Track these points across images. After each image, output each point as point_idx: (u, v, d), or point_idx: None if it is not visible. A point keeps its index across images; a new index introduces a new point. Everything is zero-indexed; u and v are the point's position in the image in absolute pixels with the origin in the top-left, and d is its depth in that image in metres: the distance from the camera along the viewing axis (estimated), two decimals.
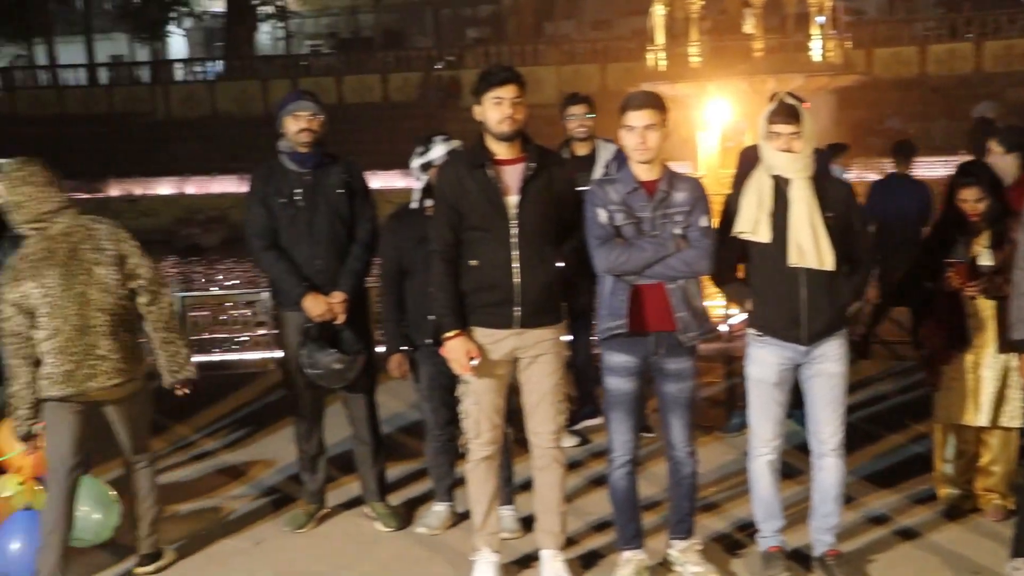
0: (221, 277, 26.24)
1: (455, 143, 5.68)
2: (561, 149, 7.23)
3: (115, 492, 5.99)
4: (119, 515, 5.95)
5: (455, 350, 4.98)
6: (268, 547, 5.99)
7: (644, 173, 4.99)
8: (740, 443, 6.50)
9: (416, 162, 5.74)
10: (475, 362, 4.99)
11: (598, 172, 6.94)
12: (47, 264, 5.18)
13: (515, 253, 4.93)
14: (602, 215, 4.96)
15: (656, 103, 4.99)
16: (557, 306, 5.14)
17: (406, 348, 5.89)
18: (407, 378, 6.00)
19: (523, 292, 4.96)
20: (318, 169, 5.86)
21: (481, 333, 5.04)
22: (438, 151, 5.66)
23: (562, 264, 5.04)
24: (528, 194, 4.94)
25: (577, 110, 7.23)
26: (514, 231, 4.92)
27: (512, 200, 4.93)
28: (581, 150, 7.24)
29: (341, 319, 5.87)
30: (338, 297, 5.84)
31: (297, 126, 5.81)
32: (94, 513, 5.84)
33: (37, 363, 5.20)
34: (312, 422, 6.16)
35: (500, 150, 4.99)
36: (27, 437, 5.27)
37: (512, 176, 4.96)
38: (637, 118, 4.93)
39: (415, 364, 5.92)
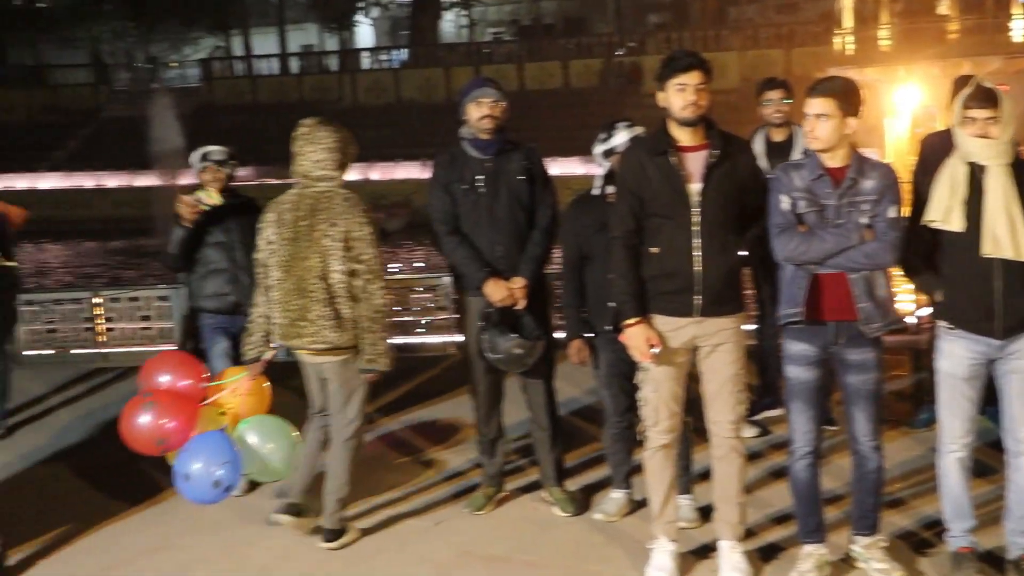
0: (400, 262, 26.81)
1: (638, 129, 5.67)
2: (755, 135, 7.14)
3: (297, 433, 6.05)
4: (295, 455, 5.97)
5: (635, 337, 4.98)
6: (448, 528, 6.11)
7: (830, 159, 4.88)
8: (928, 438, 6.29)
9: (598, 148, 5.75)
10: (655, 350, 4.98)
11: (795, 158, 6.82)
12: (288, 214, 5.63)
13: (696, 241, 4.89)
14: (784, 202, 4.88)
15: (835, 92, 4.85)
16: (739, 294, 5.09)
17: (586, 334, 5.92)
18: (586, 364, 6.03)
19: (704, 280, 4.92)
20: (499, 156, 5.93)
21: (661, 321, 5.02)
22: (620, 137, 5.66)
23: (744, 252, 4.99)
24: (711, 181, 4.90)
25: (774, 95, 7.12)
26: (696, 218, 4.89)
27: (695, 187, 4.90)
28: (777, 136, 7.12)
29: (522, 305, 5.92)
30: (519, 283, 5.90)
31: (479, 113, 5.88)
32: (275, 451, 5.86)
33: None
34: (491, 406, 6.24)
35: (683, 137, 4.95)
36: (254, 360, 5.76)
37: (695, 163, 4.93)
38: (809, 106, 4.85)
39: (594, 350, 5.94)
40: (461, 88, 6.07)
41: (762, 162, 6.82)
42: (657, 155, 4.94)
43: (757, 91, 7.22)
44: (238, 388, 5.83)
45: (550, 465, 6.25)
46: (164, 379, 5.91)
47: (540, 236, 5.97)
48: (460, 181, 5.89)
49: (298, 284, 5.57)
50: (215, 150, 6.90)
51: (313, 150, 5.68)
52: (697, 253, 4.90)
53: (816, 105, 4.82)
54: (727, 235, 4.94)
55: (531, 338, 5.88)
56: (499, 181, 5.89)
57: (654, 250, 4.96)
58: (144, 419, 5.67)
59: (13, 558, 5.81)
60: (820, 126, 4.81)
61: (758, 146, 7.08)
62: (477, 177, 5.87)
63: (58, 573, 5.78)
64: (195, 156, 6.98)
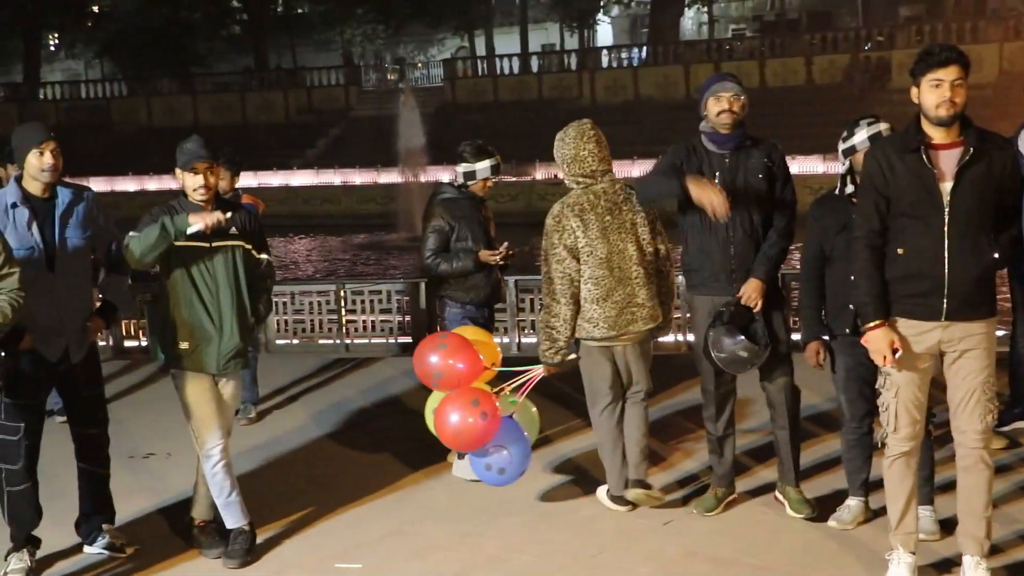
0: None
1: (880, 126, 5.50)
2: (1020, 131, 6.79)
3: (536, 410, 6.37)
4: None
5: (877, 340, 4.84)
6: (675, 528, 6.07)
7: None
8: None
9: (841, 146, 5.64)
10: (898, 354, 4.82)
11: None
12: (590, 214, 5.92)
13: (946, 242, 4.72)
14: None
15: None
16: (990, 298, 4.87)
17: (824, 337, 5.78)
18: (823, 368, 5.88)
19: (952, 283, 4.74)
20: (738, 151, 5.86)
21: (905, 324, 4.86)
22: (861, 136, 5.52)
23: (997, 255, 4.77)
24: (963, 180, 4.71)
25: None
26: (946, 219, 4.71)
27: (946, 186, 4.72)
28: None
29: (757, 307, 5.84)
30: (754, 284, 5.82)
31: (718, 107, 5.83)
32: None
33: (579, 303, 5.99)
34: (720, 404, 6.17)
35: (936, 134, 4.77)
36: (557, 364, 6.09)
37: (947, 161, 4.75)
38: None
39: (832, 353, 5.79)
40: (701, 84, 6.04)
41: None
42: (908, 152, 4.78)
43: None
44: (533, 379, 6.16)
45: (788, 464, 6.15)
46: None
47: (777, 236, 5.88)
48: (697, 174, 5.83)
49: (621, 275, 5.93)
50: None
51: (596, 148, 6.01)
52: (946, 255, 4.73)
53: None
54: (979, 236, 4.74)
55: (759, 343, 5.79)
56: (737, 177, 5.82)
57: (900, 251, 4.81)
58: (433, 356, 6.06)
59: (261, 537, 6.12)
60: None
61: (1022, 143, 6.73)
62: (715, 172, 5.81)
63: (301, 553, 6.05)
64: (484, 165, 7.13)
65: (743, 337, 5.77)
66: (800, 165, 32.31)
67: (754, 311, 5.84)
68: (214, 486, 5.89)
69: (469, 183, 7.17)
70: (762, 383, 6.13)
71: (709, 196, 5.56)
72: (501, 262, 7.11)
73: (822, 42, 42.56)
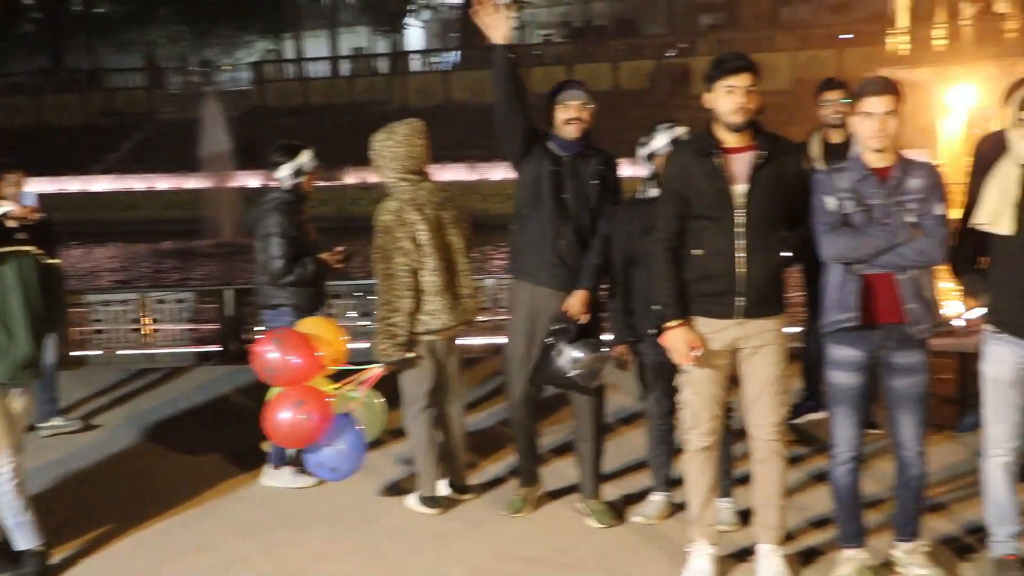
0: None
1: (679, 130, 5.65)
2: (812, 137, 7.09)
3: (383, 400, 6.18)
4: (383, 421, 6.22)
5: (676, 340, 4.98)
6: (486, 530, 6.10)
7: (876, 161, 4.85)
8: (973, 443, 6.20)
9: (641, 152, 5.76)
10: (696, 352, 4.96)
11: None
12: (429, 209, 6.04)
13: (740, 243, 4.88)
14: (830, 202, 4.86)
15: (895, 89, 4.85)
16: (781, 296, 5.08)
17: (632, 339, 5.89)
18: (630, 369, 5.99)
19: (747, 282, 4.91)
20: (578, 157, 5.93)
21: (702, 323, 5.01)
22: (661, 140, 5.67)
23: (789, 254, 4.97)
24: (756, 182, 4.88)
25: (832, 95, 7.07)
26: (740, 220, 4.88)
27: (739, 189, 4.88)
28: (836, 138, 7.05)
29: (584, 318, 5.91)
30: (580, 296, 5.91)
31: (567, 114, 5.89)
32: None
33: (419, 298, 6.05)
34: (526, 409, 6.21)
35: (729, 138, 4.94)
36: (395, 363, 6.08)
37: (740, 165, 4.91)
38: (877, 104, 4.79)
39: (640, 354, 5.91)
40: (550, 89, 6.04)
41: (819, 165, 6.77)
42: (703, 156, 4.93)
43: (816, 92, 7.16)
44: (372, 378, 6.05)
45: (590, 477, 6.18)
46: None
47: (600, 244, 5.96)
48: (535, 175, 5.90)
49: (454, 267, 6.12)
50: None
51: (427, 146, 6.19)
52: (740, 255, 4.89)
53: (883, 103, 4.79)
54: (771, 237, 4.93)
55: (599, 351, 5.86)
56: (573, 180, 5.90)
57: (697, 252, 4.96)
58: (269, 352, 5.86)
59: (56, 557, 5.87)
60: (890, 123, 4.79)
61: (815, 148, 7.04)
62: (552, 168, 5.86)
63: (100, 573, 5.83)
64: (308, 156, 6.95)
65: (581, 353, 5.78)
66: None
67: (582, 321, 5.89)
68: (4, 506, 5.61)
69: (300, 179, 6.97)
70: (568, 394, 6.14)
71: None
72: (339, 265, 7.00)
73: (628, 48, 43.65)
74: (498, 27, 5.70)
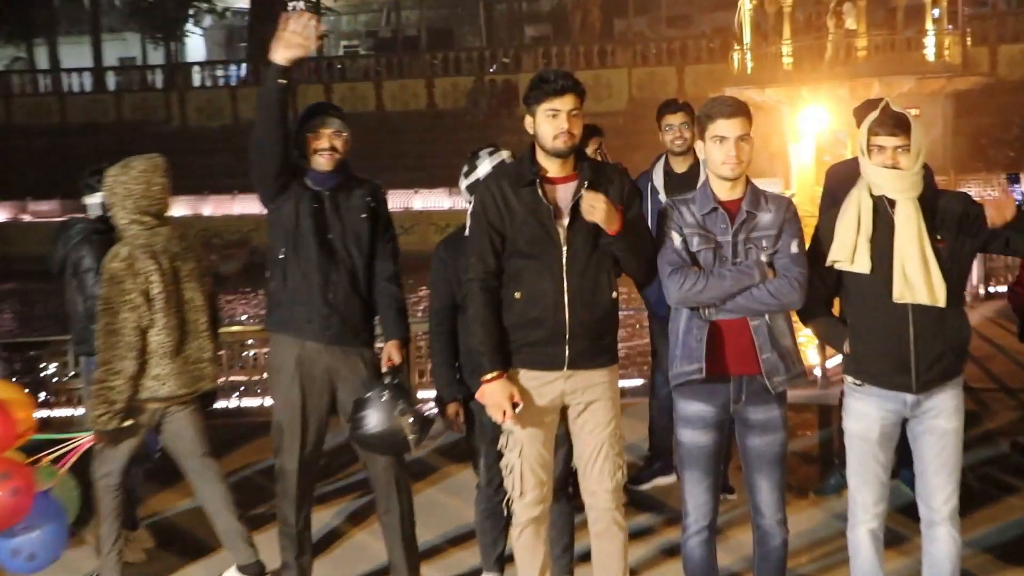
0: (242, 311, 26.41)
1: (503, 155, 5.66)
2: (655, 165, 7.21)
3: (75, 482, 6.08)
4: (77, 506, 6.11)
5: (494, 394, 4.96)
6: None
7: (725, 191, 4.94)
8: (838, 506, 6.39)
9: (463, 183, 5.73)
10: (519, 408, 4.96)
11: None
12: (163, 257, 5.92)
13: (565, 284, 4.92)
14: (676, 239, 4.93)
15: (747, 110, 4.95)
16: (612, 344, 5.12)
17: (460, 395, 5.84)
18: (462, 430, 5.96)
19: (573, 329, 4.94)
20: (338, 190, 5.86)
21: (525, 375, 5.02)
22: (485, 167, 5.64)
23: (616, 295, 5.03)
24: (580, 216, 4.91)
25: (674, 119, 7.14)
26: (564, 257, 4.92)
27: (563, 223, 4.93)
28: (680, 166, 7.14)
29: (402, 369, 5.89)
30: (395, 345, 5.88)
31: (318, 144, 5.82)
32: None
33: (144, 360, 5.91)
34: (303, 488, 6.02)
35: (551, 166, 4.97)
36: (112, 431, 5.89)
37: (564, 195, 4.95)
38: (730, 127, 4.87)
39: (470, 413, 5.87)
40: (299, 114, 5.93)
41: (662, 195, 6.91)
42: (523, 186, 4.95)
43: (657, 115, 7.26)
44: (79, 449, 5.91)
45: (401, 556, 6.06)
46: None
47: (395, 289, 5.94)
48: (293, 214, 5.79)
49: (191, 327, 6.00)
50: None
51: (168, 185, 6.05)
52: (565, 297, 4.92)
53: (737, 126, 4.87)
54: (599, 276, 4.97)
55: (422, 412, 5.77)
56: (337, 217, 5.84)
57: (517, 294, 4.97)
58: None
59: None
60: (745, 148, 4.87)
61: (658, 178, 7.14)
62: (313, 205, 5.79)
63: None
64: None
65: (414, 407, 5.70)
66: (424, 200, 33.12)
67: (400, 374, 5.84)
68: None
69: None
70: (365, 458, 6.02)
71: None
72: None
73: (444, 63, 43.99)
74: (295, 45, 5.49)
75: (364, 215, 5.89)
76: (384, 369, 5.84)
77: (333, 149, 5.82)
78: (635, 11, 48.89)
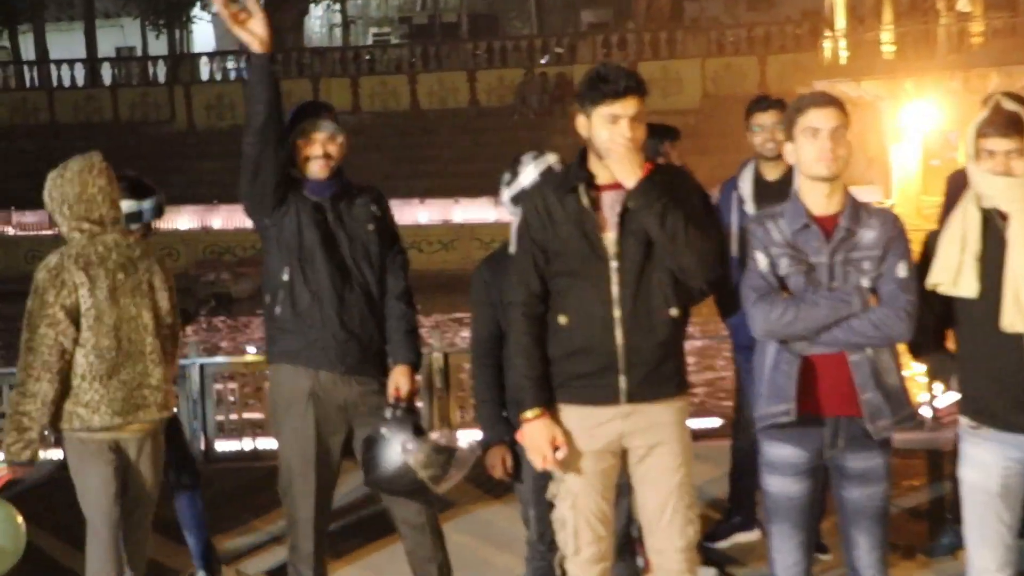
0: (256, 338, 26.53)
1: (550, 160, 5.68)
2: (743, 172, 7.22)
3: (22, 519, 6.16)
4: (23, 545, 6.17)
5: (534, 436, 4.97)
6: None
7: (819, 203, 4.93)
8: (951, 570, 6.36)
9: (505, 193, 5.75)
10: (560, 453, 4.96)
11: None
12: (97, 269, 5.94)
13: (615, 303, 4.90)
14: (762, 261, 4.93)
15: (841, 103, 4.95)
16: (678, 371, 5.06)
17: (508, 438, 5.77)
18: (510, 478, 5.97)
19: (628, 355, 4.93)
20: (339, 199, 5.94)
21: (576, 413, 5.00)
22: (529, 174, 5.66)
23: (678, 312, 4.97)
24: (631, 225, 4.90)
25: (765, 118, 7.04)
26: (613, 274, 4.91)
27: (610, 235, 4.92)
28: (772, 173, 7.07)
29: (412, 398, 5.92)
30: (403, 371, 5.91)
31: (310, 150, 5.87)
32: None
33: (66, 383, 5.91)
34: (318, 539, 6.04)
35: (604, 172, 4.97)
36: (26, 463, 5.93)
37: (611, 204, 4.95)
38: (823, 117, 4.87)
39: (518, 458, 5.81)
40: (288, 113, 5.95)
41: (749, 206, 6.90)
42: (566, 193, 4.97)
43: (746, 113, 7.23)
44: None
45: None
46: None
47: (406, 308, 5.99)
48: (295, 228, 5.87)
49: (132, 348, 5.94)
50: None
51: (108, 186, 6.05)
52: (618, 322, 4.90)
53: (830, 116, 4.87)
54: (656, 292, 4.94)
55: (432, 448, 5.81)
56: (342, 229, 5.91)
57: (562, 319, 4.97)
58: None
59: None
60: (842, 143, 4.86)
61: (746, 187, 7.10)
62: (316, 217, 5.85)
63: None
64: None
65: (424, 445, 5.75)
66: (465, 211, 33.16)
67: (413, 405, 5.89)
68: None
69: (131, 226, 6.95)
70: (389, 501, 6.06)
71: None
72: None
73: (488, 53, 44.12)
74: (255, 30, 5.57)
75: (371, 225, 5.96)
76: (391, 399, 5.87)
77: (327, 156, 5.88)
78: None
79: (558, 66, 42.45)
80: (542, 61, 43.34)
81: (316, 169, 5.85)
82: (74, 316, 5.87)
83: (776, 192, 6.78)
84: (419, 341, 6.05)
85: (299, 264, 5.84)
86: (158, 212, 7.08)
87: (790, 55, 38.25)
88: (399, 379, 5.90)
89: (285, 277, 5.85)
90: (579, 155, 5.02)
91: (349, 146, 6.07)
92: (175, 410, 6.23)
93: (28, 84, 47.66)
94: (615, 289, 4.90)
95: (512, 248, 5.72)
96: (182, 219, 34.60)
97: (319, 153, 5.85)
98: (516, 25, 54.96)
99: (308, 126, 5.87)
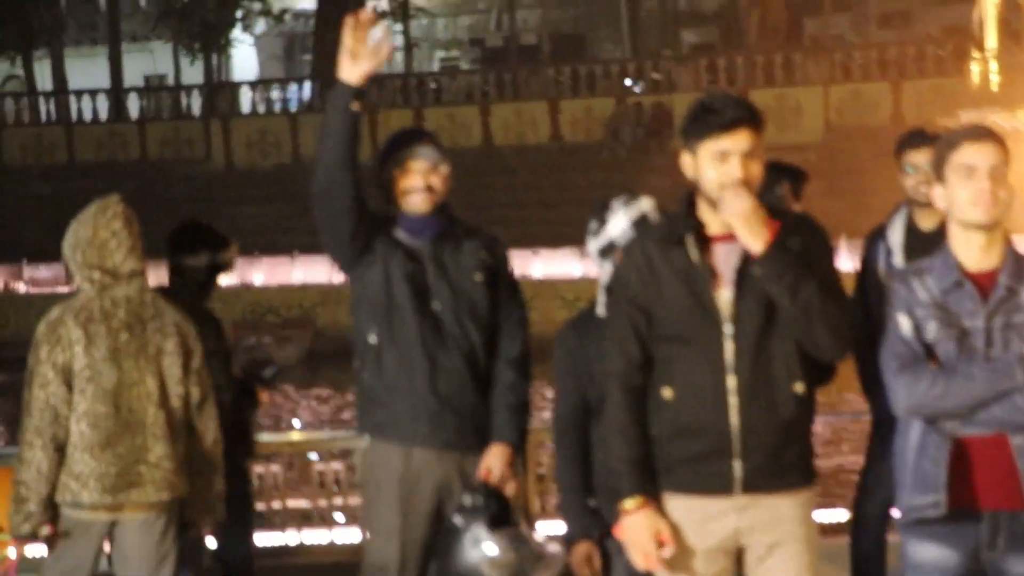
0: (302, 413, 26.70)
1: (644, 205, 5.68)
2: (893, 220, 7.19)
3: None
4: None
5: (635, 530, 4.92)
6: None
7: (974, 256, 4.88)
8: None
9: (592, 244, 5.78)
10: (666, 551, 4.91)
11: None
12: (98, 326, 6.08)
13: (730, 376, 4.88)
14: (905, 324, 4.87)
15: (1001, 139, 4.91)
16: (804, 458, 5.02)
17: (597, 532, 5.78)
18: None
19: (744, 437, 4.89)
20: (442, 242, 5.95)
21: (682, 504, 4.97)
22: (619, 223, 5.67)
23: (805, 388, 4.92)
24: (751, 285, 4.88)
25: (919, 157, 6.93)
26: (728, 341, 4.89)
27: (725, 295, 4.90)
28: (927, 222, 6.99)
29: (510, 488, 5.91)
30: (500, 452, 5.93)
31: (408, 182, 5.89)
32: None
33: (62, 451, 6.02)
34: None
35: (715, 219, 4.93)
36: (27, 536, 6.10)
37: (728, 258, 4.92)
38: (979, 154, 4.83)
39: (609, 557, 5.83)
40: (383, 143, 6.07)
41: (898, 260, 6.90)
42: (672, 246, 4.95)
43: (896, 150, 7.20)
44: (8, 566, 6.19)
45: None
46: None
47: (514, 374, 6.00)
48: (382, 281, 5.90)
49: (131, 417, 6.03)
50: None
51: (125, 232, 6.22)
52: (733, 397, 4.88)
53: (988, 153, 4.83)
54: (778, 363, 4.92)
55: (528, 546, 5.82)
56: (443, 280, 5.93)
57: (666, 393, 4.93)
58: None
59: None
60: (1002, 184, 4.82)
61: (896, 237, 7.10)
62: (409, 266, 5.88)
63: None
64: None
65: (503, 544, 5.74)
66: (547, 264, 33.30)
67: (507, 494, 5.88)
68: None
69: (213, 276, 7.33)
70: None
71: None
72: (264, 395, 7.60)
73: (573, 80, 44.31)
74: (364, 58, 5.62)
75: (479, 275, 5.97)
76: (477, 483, 5.88)
77: (429, 188, 5.89)
78: (833, 7, 49.00)
79: (655, 94, 42.56)
80: (636, 89, 43.51)
81: (416, 203, 5.89)
82: (67, 376, 5.99)
83: (932, 244, 6.68)
84: (527, 418, 6.05)
85: (387, 323, 5.89)
86: (226, 266, 7.36)
87: (930, 80, 38.06)
88: (492, 460, 5.91)
89: (372, 340, 5.91)
90: (685, 200, 4.99)
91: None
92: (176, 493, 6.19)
93: (44, 118, 48.38)
94: (730, 358, 4.87)
95: (600, 308, 5.75)
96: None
97: (420, 185, 5.88)
98: (606, 47, 55.33)
99: (406, 155, 5.93)
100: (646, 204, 5.65)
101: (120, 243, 6.17)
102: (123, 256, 6.16)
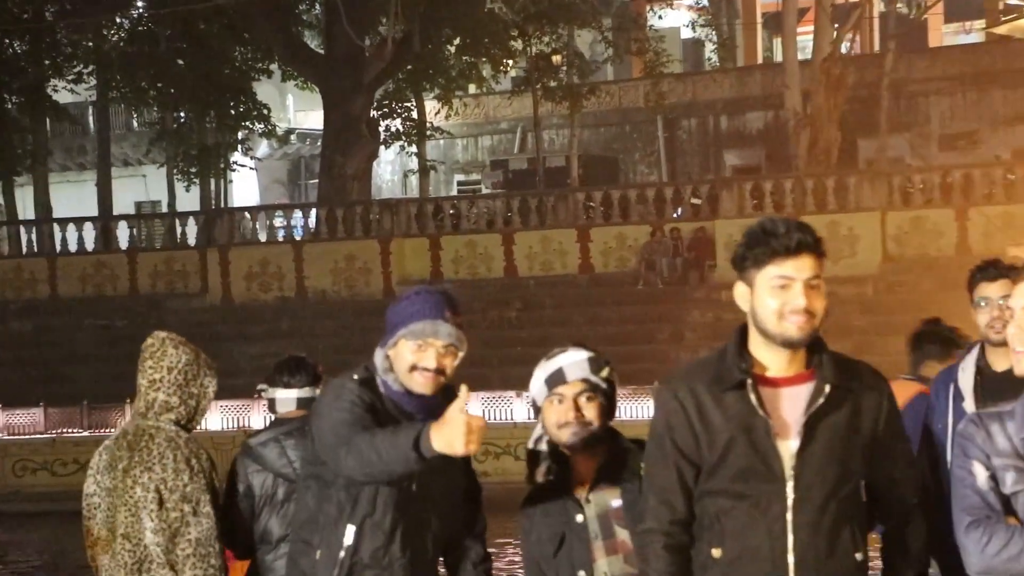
0: None
1: (567, 358, 5.95)
2: (963, 359, 7.17)
3: None
4: None
5: None
6: None
7: None
8: None
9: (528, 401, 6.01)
10: None
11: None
12: (106, 455, 6.61)
13: (789, 538, 4.88)
14: (981, 475, 4.81)
15: None
16: None
17: None
18: None
19: None
20: (437, 415, 5.89)
21: None
22: (536, 381, 5.98)
23: (864, 557, 4.96)
24: (817, 437, 4.89)
25: (993, 290, 7.03)
26: (790, 499, 4.88)
27: (789, 446, 4.89)
28: (1002, 362, 6.94)
29: None
30: None
31: (420, 358, 5.85)
32: None
33: None
34: None
35: (774, 361, 4.96)
36: None
37: (791, 405, 4.93)
38: None
39: None
40: (396, 304, 6.01)
41: (969, 404, 6.87)
42: (727, 390, 4.93)
43: (968, 283, 7.21)
44: None
45: None
46: None
47: (482, 549, 6.18)
48: (367, 496, 5.92)
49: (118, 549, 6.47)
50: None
51: (154, 369, 6.72)
52: (791, 557, 4.87)
53: None
54: (842, 528, 4.93)
55: None
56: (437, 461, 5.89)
57: (716, 552, 4.93)
58: None
59: None
60: None
61: (966, 378, 7.09)
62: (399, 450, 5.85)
63: None
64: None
65: None
66: None
67: None
68: None
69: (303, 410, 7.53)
70: None
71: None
72: None
73: (605, 206, 44.47)
74: (455, 444, 5.40)
75: (463, 469, 6.08)
76: None
77: (439, 371, 5.85)
78: (891, 128, 49.08)
79: (695, 220, 42.67)
80: (674, 215, 43.64)
81: (420, 384, 5.85)
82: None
83: (1008, 386, 6.64)
84: None
85: (370, 521, 5.91)
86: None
87: (1000, 207, 38.09)
88: None
89: (348, 540, 5.88)
90: (736, 336, 4.96)
91: None
92: None
93: (25, 250, 48.53)
94: (790, 516, 4.86)
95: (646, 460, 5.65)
96: (214, 418, 34.86)
97: (431, 366, 5.83)
98: (640, 170, 55.60)
99: (426, 328, 5.83)
100: (571, 357, 5.80)
101: (143, 375, 6.96)
102: (145, 389, 6.93)
